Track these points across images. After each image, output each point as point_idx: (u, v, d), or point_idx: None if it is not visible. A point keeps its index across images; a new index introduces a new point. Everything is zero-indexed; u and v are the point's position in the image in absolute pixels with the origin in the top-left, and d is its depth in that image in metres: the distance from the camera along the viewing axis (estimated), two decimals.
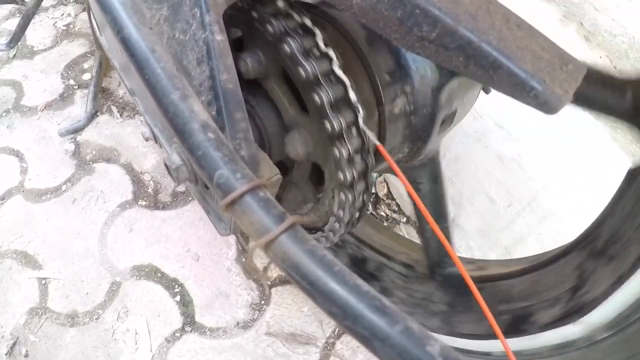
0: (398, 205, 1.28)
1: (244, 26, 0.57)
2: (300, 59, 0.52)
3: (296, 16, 0.53)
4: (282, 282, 1.13)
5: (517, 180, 1.32)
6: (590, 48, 1.89)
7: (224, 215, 0.64)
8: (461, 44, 0.38)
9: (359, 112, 0.56)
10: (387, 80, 0.62)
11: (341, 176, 0.60)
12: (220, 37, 0.47)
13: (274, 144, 0.68)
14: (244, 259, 1.14)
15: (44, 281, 1.14)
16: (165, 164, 0.58)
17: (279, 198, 0.73)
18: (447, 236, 0.75)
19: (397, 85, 0.62)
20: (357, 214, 0.70)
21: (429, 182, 0.75)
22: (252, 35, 0.58)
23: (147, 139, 0.72)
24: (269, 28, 0.51)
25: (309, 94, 0.53)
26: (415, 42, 0.40)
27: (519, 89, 0.38)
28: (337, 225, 0.70)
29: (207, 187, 0.61)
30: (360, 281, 0.30)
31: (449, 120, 0.69)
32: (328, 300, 0.30)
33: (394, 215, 1.25)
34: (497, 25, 0.40)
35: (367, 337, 0.28)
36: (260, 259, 1.15)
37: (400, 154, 0.72)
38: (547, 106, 0.38)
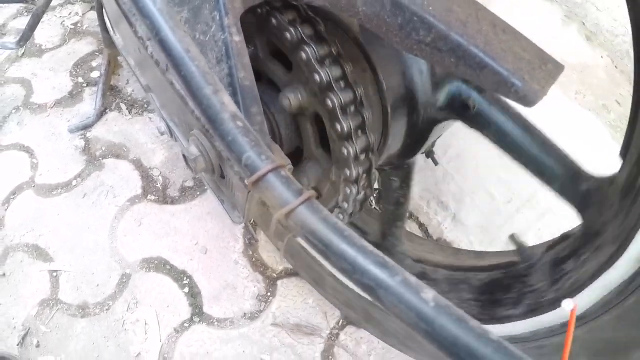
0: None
1: (289, 52, 0.60)
2: (317, 66, 0.56)
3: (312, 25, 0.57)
4: (288, 274, 1.16)
5: (517, 177, 1.35)
6: (592, 48, 1.92)
7: (235, 199, 0.67)
8: (452, 47, 0.43)
9: (366, 118, 0.60)
10: (392, 85, 0.65)
11: (347, 172, 0.63)
12: (238, 39, 0.51)
13: (285, 138, 0.71)
14: (251, 252, 1.17)
15: (55, 274, 1.17)
16: (184, 155, 0.61)
17: (302, 179, 0.77)
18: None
19: (401, 91, 0.66)
20: (359, 207, 0.73)
21: (400, 181, 0.81)
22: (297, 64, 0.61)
23: (162, 133, 0.75)
24: (287, 36, 0.55)
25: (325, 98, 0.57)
26: (413, 45, 0.44)
27: (502, 85, 0.43)
28: (340, 216, 0.74)
29: (222, 177, 0.64)
30: (365, 243, 0.36)
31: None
32: (340, 259, 0.35)
33: None
34: (485, 30, 0.45)
35: (373, 287, 0.34)
36: (267, 253, 1.18)
37: (395, 153, 0.75)
38: (526, 100, 0.43)
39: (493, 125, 0.66)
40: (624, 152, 0.59)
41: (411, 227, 1.29)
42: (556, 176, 0.65)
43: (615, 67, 1.75)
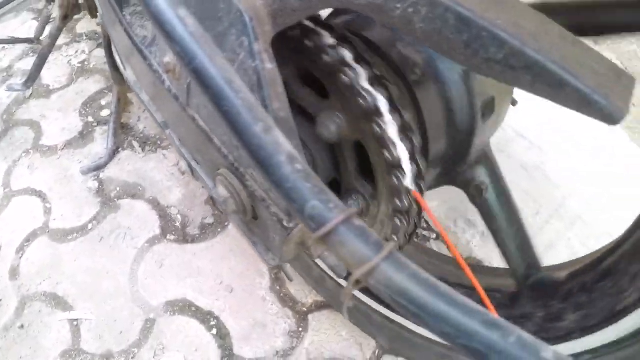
0: (427, 223, 1.27)
1: (328, 77, 0.56)
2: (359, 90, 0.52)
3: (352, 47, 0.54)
4: (318, 307, 1.11)
5: (542, 188, 1.32)
6: (601, 51, 1.91)
7: (268, 241, 0.63)
8: (528, 64, 0.38)
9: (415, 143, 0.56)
10: (418, 78, 0.62)
11: (398, 203, 0.59)
12: (270, 66, 0.47)
13: (321, 171, 0.68)
14: (278, 288, 1.13)
15: (75, 322, 1.13)
16: (212, 197, 0.58)
17: None
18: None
19: (429, 82, 0.62)
20: (408, 238, 0.69)
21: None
22: (336, 89, 0.57)
23: (183, 173, 0.71)
24: (325, 59, 0.52)
25: (368, 125, 0.54)
26: (481, 63, 0.40)
27: (585, 104, 0.38)
28: (394, 237, 0.70)
29: (255, 218, 0.60)
30: (467, 299, 0.30)
31: (489, 108, 0.68)
32: (440, 322, 0.30)
33: (424, 233, 1.24)
34: (557, 44, 0.40)
35: (483, 352, 0.28)
36: (295, 287, 1.13)
37: (448, 157, 0.71)
38: (612, 118, 0.39)
39: (491, 215, 0.75)
40: None
41: (440, 247, 1.25)
42: (517, 272, 0.76)
43: (625, 69, 1.74)
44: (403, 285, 0.30)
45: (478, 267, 1.01)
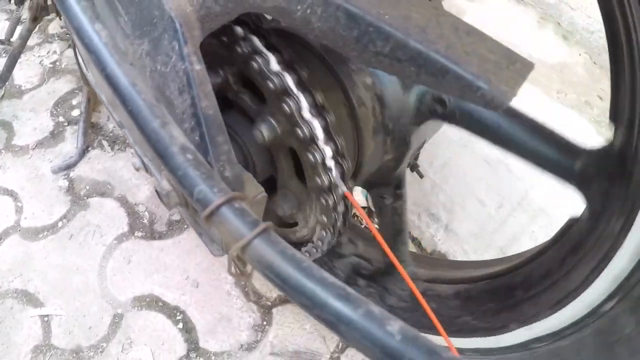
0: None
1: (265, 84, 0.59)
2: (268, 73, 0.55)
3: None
4: (282, 301, 1.14)
5: (505, 181, 1.34)
6: (569, 46, 1.93)
7: (211, 232, 0.66)
8: (412, 55, 0.41)
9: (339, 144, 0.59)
10: (361, 98, 0.64)
11: (319, 181, 0.62)
12: (198, 67, 0.50)
13: (258, 164, 0.70)
14: (243, 282, 1.16)
15: (46, 318, 1.15)
16: (156, 191, 0.60)
17: (277, 208, 0.75)
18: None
19: (371, 103, 0.64)
20: (341, 219, 0.71)
21: (391, 196, 0.81)
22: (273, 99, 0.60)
23: (138, 169, 0.74)
24: (238, 50, 0.54)
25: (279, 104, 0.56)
26: (371, 57, 0.43)
27: (467, 90, 0.40)
28: (324, 232, 0.72)
29: (196, 210, 0.63)
30: (326, 274, 0.34)
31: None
32: (298, 293, 0.33)
33: None
34: (446, 35, 0.42)
35: (333, 322, 0.32)
36: (259, 281, 1.16)
37: (378, 167, 0.73)
38: (494, 103, 0.40)
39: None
40: (614, 116, 0.54)
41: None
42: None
43: (594, 63, 1.76)
44: (271, 259, 0.34)
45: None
